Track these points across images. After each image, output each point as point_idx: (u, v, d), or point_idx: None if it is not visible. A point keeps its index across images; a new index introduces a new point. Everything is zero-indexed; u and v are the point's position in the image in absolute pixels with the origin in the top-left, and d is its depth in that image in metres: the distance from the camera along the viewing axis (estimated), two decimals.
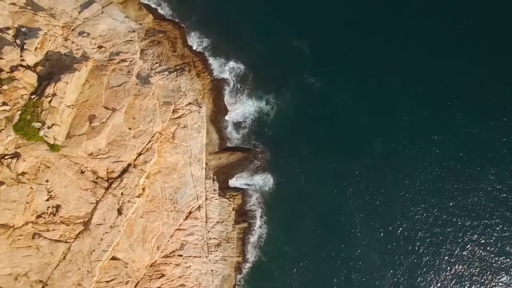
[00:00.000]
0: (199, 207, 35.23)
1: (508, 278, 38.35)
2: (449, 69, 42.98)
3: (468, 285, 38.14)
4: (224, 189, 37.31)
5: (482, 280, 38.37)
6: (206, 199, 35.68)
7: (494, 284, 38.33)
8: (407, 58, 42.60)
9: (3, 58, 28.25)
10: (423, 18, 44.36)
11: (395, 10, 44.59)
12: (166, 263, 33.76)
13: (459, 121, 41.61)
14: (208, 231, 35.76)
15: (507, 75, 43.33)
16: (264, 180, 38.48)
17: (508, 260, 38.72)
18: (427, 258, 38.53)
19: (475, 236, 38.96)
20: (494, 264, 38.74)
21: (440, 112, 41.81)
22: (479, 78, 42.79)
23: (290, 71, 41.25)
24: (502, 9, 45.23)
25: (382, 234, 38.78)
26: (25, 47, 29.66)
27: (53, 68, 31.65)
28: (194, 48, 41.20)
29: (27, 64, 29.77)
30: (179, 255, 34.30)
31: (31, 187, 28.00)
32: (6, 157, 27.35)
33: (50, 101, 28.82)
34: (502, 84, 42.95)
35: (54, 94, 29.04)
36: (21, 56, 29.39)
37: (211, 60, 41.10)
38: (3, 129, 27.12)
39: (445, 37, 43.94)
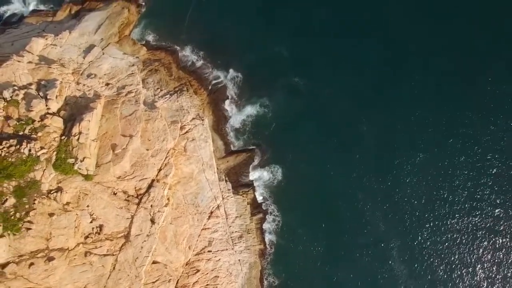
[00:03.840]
0: (218, 207, 39.88)
1: None
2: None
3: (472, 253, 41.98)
4: (237, 187, 41.52)
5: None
6: (223, 198, 40.23)
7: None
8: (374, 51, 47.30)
9: (33, 110, 32.96)
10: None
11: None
12: (199, 260, 38.16)
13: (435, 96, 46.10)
14: (230, 226, 40.32)
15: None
16: (270, 173, 42.53)
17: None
18: (428, 223, 42.45)
19: (473, 205, 42.92)
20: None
21: (417, 89, 46.12)
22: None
23: (276, 75, 45.44)
24: None
25: (385, 206, 42.67)
26: (48, 97, 34.26)
27: (73, 110, 36.24)
28: (189, 64, 45.21)
29: (52, 111, 34.45)
30: (209, 251, 38.62)
31: (76, 214, 32.63)
32: (51, 192, 32.06)
33: (78, 139, 33.42)
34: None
35: (80, 132, 33.66)
36: (46, 105, 34.10)
37: (207, 73, 45.23)
38: (45, 169, 31.80)
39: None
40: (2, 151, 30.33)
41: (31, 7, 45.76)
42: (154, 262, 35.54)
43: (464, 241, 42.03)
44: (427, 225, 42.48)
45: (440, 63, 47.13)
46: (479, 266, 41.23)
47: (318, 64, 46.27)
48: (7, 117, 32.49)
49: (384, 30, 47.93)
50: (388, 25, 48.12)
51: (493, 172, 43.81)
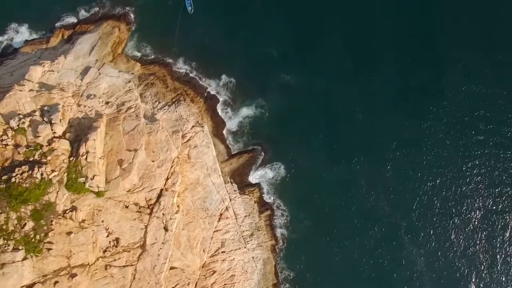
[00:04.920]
0: (226, 208, 41.24)
1: None
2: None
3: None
4: (243, 188, 43.07)
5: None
6: (230, 200, 41.62)
7: None
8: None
9: (40, 136, 34.31)
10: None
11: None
12: (214, 261, 39.63)
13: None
14: (240, 226, 41.75)
15: None
16: (273, 171, 43.87)
17: None
18: (434, 206, 44.14)
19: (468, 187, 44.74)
20: None
21: (411, 76, 47.72)
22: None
23: (267, 75, 46.81)
24: None
25: (389, 190, 44.25)
26: (52, 121, 35.57)
27: (77, 131, 37.58)
28: (183, 74, 46.28)
29: (58, 135, 35.76)
30: (223, 252, 40.11)
31: (93, 230, 33.96)
32: (67, 212, 33.40)
33: (86, 158, 34.77)
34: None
35: (87, 152, 34.98)
36: (52, 129, 35.44)
37: (202, 82, 46.45)
38: (58, 191, 33.14)
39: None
40: (16, 178, 31.69)
41: (23, 36, 46.70)
42: (171, 268, 36.99)
43: (472, 222, 43.72)
44: (433, 207, 44.03)
45: (436, 54, 48.84)
46: (488, 245, 43.12)
47: (307, 60, 47.64)
48: (16, 145, 33.86)
49: (368, 22, 49.54)
50: (372, 18, 49.62)
51: (488, 152, 45.67)
